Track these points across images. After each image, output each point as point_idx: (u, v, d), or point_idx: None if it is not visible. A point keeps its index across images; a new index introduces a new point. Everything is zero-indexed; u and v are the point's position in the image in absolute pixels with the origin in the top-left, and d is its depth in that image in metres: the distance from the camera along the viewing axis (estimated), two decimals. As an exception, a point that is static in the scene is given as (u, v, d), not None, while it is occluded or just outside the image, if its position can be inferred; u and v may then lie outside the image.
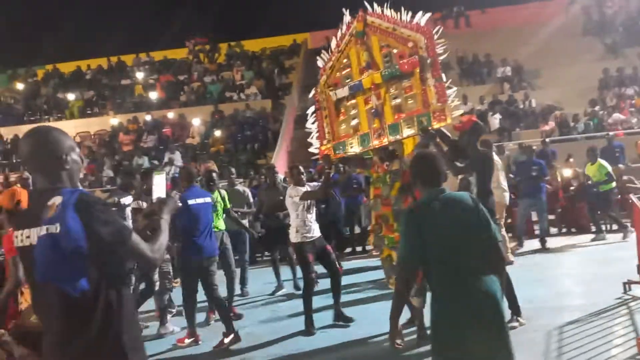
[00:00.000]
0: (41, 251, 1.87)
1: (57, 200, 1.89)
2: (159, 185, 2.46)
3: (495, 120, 14.98)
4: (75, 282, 1.85)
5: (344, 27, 5.24)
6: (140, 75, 21.23)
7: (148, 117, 17.93)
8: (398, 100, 4.81)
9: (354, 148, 5.04)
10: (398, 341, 2.59)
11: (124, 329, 1.96)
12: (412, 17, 4.78)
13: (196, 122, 17.53)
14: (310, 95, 5.70)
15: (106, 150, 16.95)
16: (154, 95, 19.71)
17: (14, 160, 16.96)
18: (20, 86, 21.72)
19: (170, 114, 18.15)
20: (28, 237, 1.94)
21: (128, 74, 21.61)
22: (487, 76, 17.94)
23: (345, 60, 5.21)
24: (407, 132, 4.71)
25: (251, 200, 7.94)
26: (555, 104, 15.56)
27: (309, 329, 5.39)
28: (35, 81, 22.35)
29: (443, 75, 4.64)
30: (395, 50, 4.89)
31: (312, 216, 5.63)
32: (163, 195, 2.38)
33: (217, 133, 16.58)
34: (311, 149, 5.56)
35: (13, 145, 17.50)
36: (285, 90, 18.74)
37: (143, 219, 2.27)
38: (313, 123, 5.48)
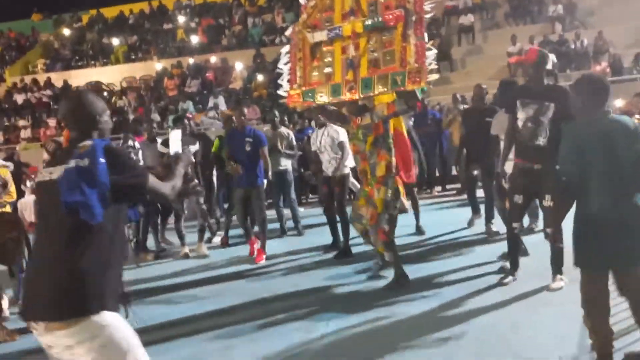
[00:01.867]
0: (68, 178, 2.08)
1: (87, 143, 2.15)
2: (175, 140, 2.78)
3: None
4: (96, 212, 2.06)
5: None
6: (181, 19, 21.26)
7: (191, 61, 18.09)
8: (375, 55, 4.59)
9: (324, 97, 4.76)
10: None
11: (111, 264, 2.19)
12: None
13: (238, 66, 17.61)
14: (287, 32, 5.49)
15: (152, 95, 17.30)
16: (195, 40, 19.80)
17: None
18: (66, 32, 22.13)
19: (213, 58, 18.25)
20: (51, 172, 2.18)
21: (170, 18, 21.65)
22: (537, 15, 17.22)
23: (328, 2, 4.87)
24: (379, 89, 4.50)
25: (294, 143, 7.93)
26: (609, 44, 14.89)
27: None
28: (80, 27, 22.70)
29: (425, 35, 4.49)
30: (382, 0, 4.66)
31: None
32: (179, 149, 2.68)
33: (260, 77, 16.63)
34: (280, 92, 5.26)
35: (64, 90, 18.05)
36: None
37: (163, 169, 2.55)
38: (285, 64, 5.09)
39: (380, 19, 4.56)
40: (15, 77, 19.60)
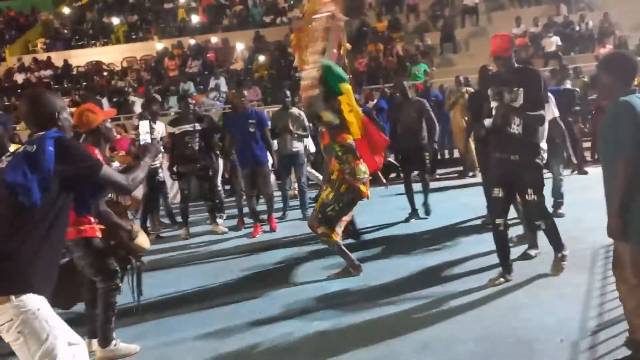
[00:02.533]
0: (14, 161, 2.22)
1: (40, 133, 2.31)
2: (144, 131, 3.06)
3: (550, 44, 14.37)
4: (33, 196, 2.15)
5: None
6: (182, -2, 21.02)
7: (192, 42, 17.93)
8: None
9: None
10: None
11: (42, 252, 2.21)
12: None
13: (239, 47, 17.45)
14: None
15: (152, 75, 17.18)
16: (196, 19, 19.60)
17: (65, 85, 17.46)
18: (66, 11, 21.90)
19: (214, 39, 18.09)
20: (8, 157, 2.32)
21: (170, -2, 21.42)
22: (542, -4, 17.03)
23: None
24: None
25: (307, 123, 7.62)
26: (615, 26, 14.72)
27: None
28: (80, 5, 22.45)
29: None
30: None
31: None
32: (148, 140, 2.76)
33: (261, 58, 16.50)
34: None
35: (64, 70, 17.93)
36: (329, 13, 18.27)
37: (133, 160, 2.68)
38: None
39: None
40: (15, 57, 19.45)
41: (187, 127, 6.88)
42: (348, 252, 4.86)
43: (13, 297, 2.10)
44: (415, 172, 7.11)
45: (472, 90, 9.65)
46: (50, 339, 2.12)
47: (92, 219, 3.49)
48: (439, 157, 10.72)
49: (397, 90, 7.24)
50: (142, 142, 2.90)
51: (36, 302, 2.14)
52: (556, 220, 4.49)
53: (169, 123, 7.10)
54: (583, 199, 6.31)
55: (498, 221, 4.20)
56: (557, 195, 6.14)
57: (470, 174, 9.25)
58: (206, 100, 14.64)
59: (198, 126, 6.94)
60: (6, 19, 22.53)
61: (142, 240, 3.75)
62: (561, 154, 6.07)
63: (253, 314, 4.15)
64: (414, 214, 6.75)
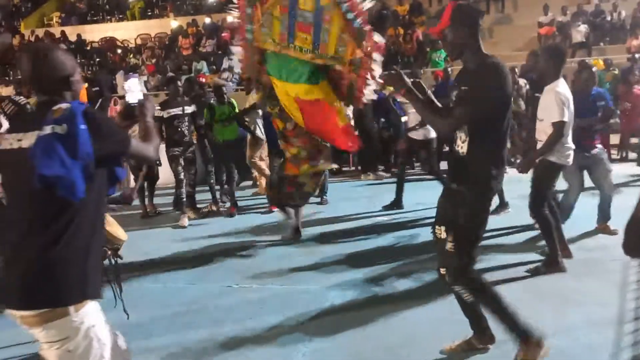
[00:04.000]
0: (44, 147, 1.77)
1: (63, 105, 1.85)
2: (133, 89, 2.39)
3: (578, 34, 13.70)
4: (77, 189, 1.78)
5: None
6: (199, -25, 20.58)
7: (207, 20, 17.52)
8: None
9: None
10: None
11: (91, 251, 1.92)
12: None
13: (256, 26, 16.98)
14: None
15: (166, 53, 16.85)
16: (213, -3, 19.18)
17: (78, 60, 17.19)
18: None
19: (230, 18, 17.64)
20: (20, 140, 1.88)
21: (188, -26, 20.99)
22: (572, -18, 16.27)
23: None
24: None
25: None
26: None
27: None
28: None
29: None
30: None
31: None
32: (140, 97, 2.32)
33: (277, 39, 16.01)
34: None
35: (78, 45, 17.65)
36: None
37: (122, 120, 2.27)
38: None
39: None
40: (30, 30, 19.24)
41: (176, 110, 6.65)
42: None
43: (72, 310, 1.83)
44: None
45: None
46: (104, 350, 1.91)
47: None
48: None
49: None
50: (131, 100, 2.41)
51: (93, 315, 1.89)
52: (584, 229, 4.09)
53: (158, 105, 6.75)
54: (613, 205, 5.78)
55: (442, 271, 2.90)
56: (606, 212, 5.12)
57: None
58: (218, 80, 14.27)
59: (188, 109, 6.77)
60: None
61: (118, 230, 3.42)
62: (604, 162, 5.04)
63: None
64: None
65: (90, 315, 1.88)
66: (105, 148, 1.87)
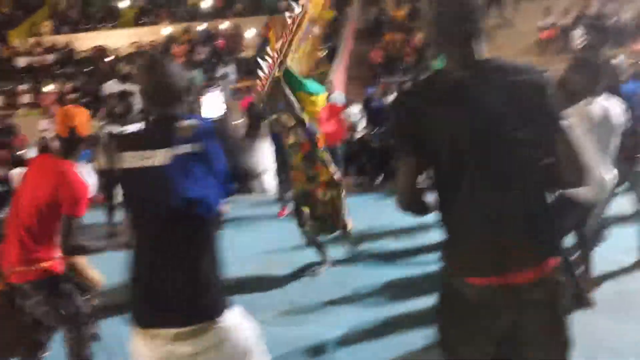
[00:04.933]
0: (183, 167, 1.77)
1: (192, 121, 1.84)
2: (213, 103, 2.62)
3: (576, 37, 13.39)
4: (214, 206, 1.82)
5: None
6: (193, -19, 20.22)
7: (201, 28, 17.16)
8: None
9: None
10: None
11: (220, 267, 1.92)
12: None
13: (250, 33, 16.64)
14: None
15: (159, 61, 16.47)
16: (207, 4, 18.82)
17: (69, 70, 16.81)
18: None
19: (223, 25, 17.30)
20: (149, 157, 1.82)
21: (181, -19, 20.64)
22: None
23: None
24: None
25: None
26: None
27: None
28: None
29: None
30: None
31: None
32: (220, 113, 2.43)
33: (273, 46, 15.65)
34: None
35: (67, 54, 17.27)
36: (345, 1, 17.38)
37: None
38: None
39: None
40: (20, 39, 18.84)
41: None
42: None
43: (221, 318, 1.88)
44: None
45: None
46: (252, 348, 1.95)
47: (56, 251, 2.73)
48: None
49: None
50: (210, 115, 2.33)
51: (234, 315, 1.94)
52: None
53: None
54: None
55: None
56: None
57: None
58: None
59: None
60: (13, 1, 21.92)
61: (96, 273, 3.03)
62: None
63: None
64: None
65: (233, 315, 1.92)
66: (232, 164, 1.87)
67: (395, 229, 5.98)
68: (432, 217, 1.84)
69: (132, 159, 1.85)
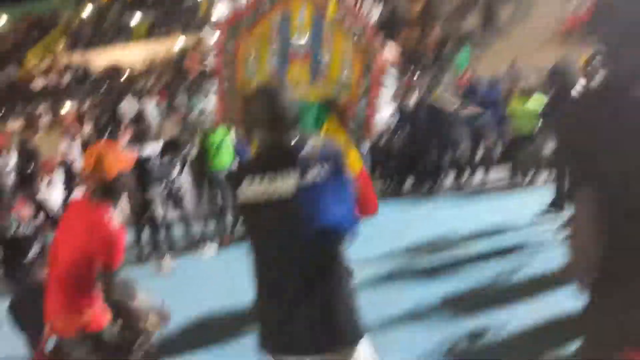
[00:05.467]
0: (312, 196, 1.73)
1: (314, 143, 1.82)
2: None
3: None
4: (353, 228, 1.78)
5: None
6: (203, -8, 20.21)
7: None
8: None
9: None
10: None
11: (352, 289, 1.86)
12: None
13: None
14: None
15: (175, 74, 16.42)
16: (220, 12, 18.71)
17: (85, 89, 16.87)
18: (87, 10, 21.37)
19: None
20: (274, 186, 1.78)
21: (191, -8, 20.64)
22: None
23: None
24: None
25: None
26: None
27: None
28: (100, 4, 21.89)
29: None
30: None
31: None
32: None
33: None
34: None
35: (83, 73, 17.34)
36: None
37: None
38: None
39: None
40: (36, 60, 19.00)
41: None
42: None
43: (354, 345, 1.81)
44: None
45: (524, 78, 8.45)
46: None
47: (98, 300, 2.51)
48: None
49: None
50: None
51: (367, 343, 1.87)
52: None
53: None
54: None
55: None
56: None
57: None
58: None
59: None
60: (28, 23, 22.17)
61: (153, 319, 2.80)
62: None
63: None
64: None
65: (366, 342, 1.86)
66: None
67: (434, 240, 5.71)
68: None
69: (255, 189, 1.81)
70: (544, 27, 14.23)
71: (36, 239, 3.53)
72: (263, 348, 1.88)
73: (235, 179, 1.91)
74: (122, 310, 2.55)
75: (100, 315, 2.51)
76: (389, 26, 15.75)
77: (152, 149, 6.39)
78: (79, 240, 2.42)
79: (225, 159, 6.76)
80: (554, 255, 4.73)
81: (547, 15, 14.34)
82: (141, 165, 6.06)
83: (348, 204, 1.78)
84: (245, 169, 1.91)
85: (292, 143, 1.82)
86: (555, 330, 3.56)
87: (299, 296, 1.81)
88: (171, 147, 6.93)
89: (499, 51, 14.19)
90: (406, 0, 16.57)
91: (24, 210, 3.63)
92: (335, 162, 1.77)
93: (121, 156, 2.56)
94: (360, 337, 1.83)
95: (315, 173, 1.74)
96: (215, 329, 4.41)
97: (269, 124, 1.84)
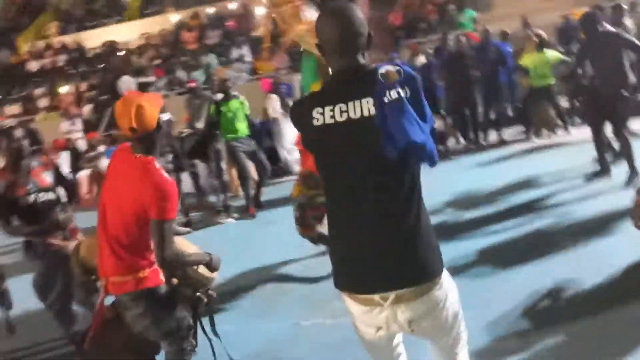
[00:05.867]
0: (393, 117, 1.60)
1: (390, 67, 1.68)
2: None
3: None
4: (435, 153, 1.66)
5: None
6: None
7: (210, 11, 16.68)
8: None
9: None
10: None
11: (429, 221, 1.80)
12: None
13: (260, 11, 16.10)
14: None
15: (171, 50, 16.07)
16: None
17: (82, 69, 16.54)
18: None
19: (231, 5, 16.79)
20: (345, 111, 1.69)
21: (183, -35, 20.08)
22: None
23: None
24: None
25: None
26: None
27: None
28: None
29: None
30: None
31: None
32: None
33: (285, 20, 15.11)
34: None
35: (78, 53, 16.98)
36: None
37: None
38: None
39: None
40: (28, 44, 18.57)
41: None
42: None
43: (439, 278, 1.76)
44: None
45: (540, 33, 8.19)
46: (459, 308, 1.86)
47: (152, 257, 2.38)
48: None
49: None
50: None
51: (447, 278, 1.82)
52: None
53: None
54: None
55: None
56: None
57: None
58: (230, 72, 13.50)
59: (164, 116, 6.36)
60: (17, 6, 21.63)
61: (203, 269, 2.66)
62: None
63: None
64: None
65: (446, 278, 1.81)
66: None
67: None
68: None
69: (328, 114, 1.70)
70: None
71: (56, 207, 3.39)
72: (342, 286, 1.80)
73: (299, 109, 1.79)
74: (178, 265, 2.40)
75: (155, 270, 2.39)
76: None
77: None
78: (129, 196, 2.29)
79: (242, 127, 6.61)
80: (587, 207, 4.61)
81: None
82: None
83: (428, 126, 1.66)
84: (315, 98, 1.78)
85: (362, 66, 1.73)
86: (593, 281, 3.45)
87: (382, 228, 1.72)
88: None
89: (497, 5, 13.85)
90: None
91: (43, 178, 3.48)
92: (414, 84, 1.66)
93: (157, 103, 2.38)
94: (442, 267, 1.78)
95: (398, 93, 1.62)
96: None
97: (340, 46, 1.72)
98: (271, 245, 5.37)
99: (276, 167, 8.55)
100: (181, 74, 14.20)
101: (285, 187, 7.67)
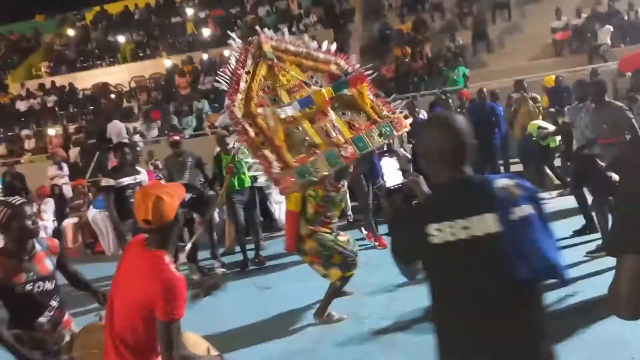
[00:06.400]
0: (520, 235, 1.57)
1: (508, 181, 1.67)
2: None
3: (605, 35, 12.96)
4: (566, 272, 1.61)
5: (240, 51, 4.93)
6: (190, 11, 19.94)
7: (205, 57, 16.80)
8: (348, 116, 4.57)
9: (322, 171, 4.29)
10: None
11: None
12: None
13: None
14: (225, 115, 5.60)
15: (164, 94, 16.06)
16: (206, 32, 18.48)
17: (71, 110, 16.42)
18: (70, 32, 20.95)
19: (227, 52, 16.93)
20: (466, 227, 1.61)
21: (177, 11, 20.35)
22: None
23: (262, 81, 4.71)
24: (375, 143, 4.46)
25: None
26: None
27: None
28: (84, 25, 21.48)
29: (379, 92, 4.92)
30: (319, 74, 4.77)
31: None
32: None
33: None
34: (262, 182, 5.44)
35: (69, 93, 16.90)
36: (347, 17, 17.04)
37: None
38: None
39: (346, 81, 4.60)
40: (18, 82, 18.47)
41: (128, 180, 5.91)
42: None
43: None
44: None
45: (534, 96, 8.32)
46: None
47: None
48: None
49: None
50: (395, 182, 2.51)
51: None
52: None
53: (107, 175, 6.19)
54: None
55: None
56: None
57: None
58: (223, 118, 13.46)
59: (139, 178, 6.01)
60: (9, 43, 21.65)
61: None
62: None
63: None
64: None
65: None
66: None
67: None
68: None
69: (448, 231, 1.62)
70: (536, 39, 14.26)
71: (53, 298, 3.03)
72: None
73: (409, 225, 1.74)
74: None
75: None
76: (380, 45, 15.70)
77: (142, 175, 6.06)
78: (136, 289, 2.13)
79: (246, 178, 6.55)
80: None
81: (538, 28, 14.38)
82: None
83: (554, 244, 1.62)
84: (427, 212, 1.72)
85: (469, 178, 1.70)
86: None
87: (497, 347, 1.62)
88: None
89: (491, 65, 14.19)
90: (395, 19, 16.54)
91: (46, 265, 3.19)
92: (539, 199, 1.64)
93: (179, 194, 2.26)
94: None
95: (526, 210, 1.60)
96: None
97: (449, 157, 1.69)
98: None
99: (269, 220, 8.44)
100: (174, 118, 14.16)
101: (277, 242, 7.54)
